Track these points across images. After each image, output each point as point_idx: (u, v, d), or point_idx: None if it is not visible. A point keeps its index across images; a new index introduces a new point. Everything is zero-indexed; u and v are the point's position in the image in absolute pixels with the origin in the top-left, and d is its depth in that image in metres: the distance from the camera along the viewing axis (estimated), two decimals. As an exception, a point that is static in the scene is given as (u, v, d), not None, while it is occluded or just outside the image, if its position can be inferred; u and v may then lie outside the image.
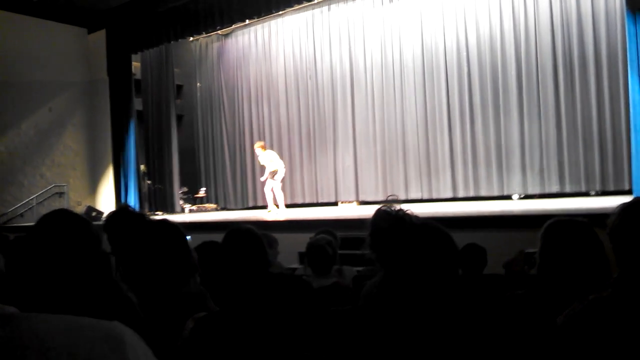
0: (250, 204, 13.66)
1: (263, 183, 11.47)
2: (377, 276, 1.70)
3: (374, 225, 1.85)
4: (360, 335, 1.52)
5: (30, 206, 12.11)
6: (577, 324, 1.58)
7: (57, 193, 12.49)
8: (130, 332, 0.81)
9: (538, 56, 10.36)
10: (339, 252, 4.32)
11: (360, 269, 4.53)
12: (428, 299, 1.52)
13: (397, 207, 1.83)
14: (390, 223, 1.69)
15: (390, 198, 1.90)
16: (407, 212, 1.79)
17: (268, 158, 11.24)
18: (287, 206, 11.38)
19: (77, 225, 1.83)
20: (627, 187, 9.14)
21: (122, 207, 3.35)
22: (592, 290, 1.63)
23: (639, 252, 1.60)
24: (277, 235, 4.69)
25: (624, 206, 1.69)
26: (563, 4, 10.11)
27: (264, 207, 12.58)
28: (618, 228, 1.67)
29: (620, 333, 1.50)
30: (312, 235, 4.48)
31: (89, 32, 13.47)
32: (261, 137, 13.75)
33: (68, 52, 13.13)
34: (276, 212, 11.14)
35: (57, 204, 12.17)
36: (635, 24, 7.72)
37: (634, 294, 1.56)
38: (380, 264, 1.62)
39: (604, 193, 9.69)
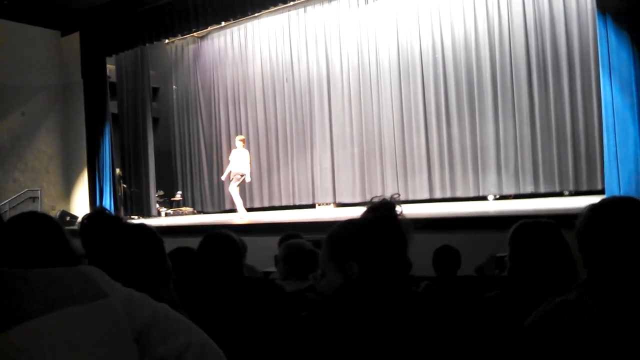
0: (227, 207, 13.57)
1: (226, 183, 10.85)
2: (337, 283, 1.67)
3: (340, 235, 1.73)
4: (325, 341, 1.51)
5: (4, 211, 11.89)
6: (544, 327, 1.58)
7: (30, 197, 12.31)
8: (97, 270, 0.97)
9: (512, 57, 10.46)
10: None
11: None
12: (384, 306, 1.52)
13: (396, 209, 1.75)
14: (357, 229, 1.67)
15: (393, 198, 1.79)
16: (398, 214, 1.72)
17: (245, 158, 10.91)
18: (265, 209, 11.23)
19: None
20: (599, 187, 9.24)
21: (98, 210, 3.26)
22: (558, 292, 1.63)
23: (605, 254, 1.61)
24: (252, 238, 4.66)
25: (591, 207, 1.69)
26: (536, 6, 10.21)
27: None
28: (585, 230, 1.67)
29: (587, 336, 1.50)
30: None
31: (63, 35, 13.27)
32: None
33: (41, 54, 12.91)
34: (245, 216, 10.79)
35: (30, 209, 11.99)
36: (605, 24, 7.80)
37: (602, 296, 1.56)
38: (340, 272, 1.61)
39: (578, 193, 9.80)
